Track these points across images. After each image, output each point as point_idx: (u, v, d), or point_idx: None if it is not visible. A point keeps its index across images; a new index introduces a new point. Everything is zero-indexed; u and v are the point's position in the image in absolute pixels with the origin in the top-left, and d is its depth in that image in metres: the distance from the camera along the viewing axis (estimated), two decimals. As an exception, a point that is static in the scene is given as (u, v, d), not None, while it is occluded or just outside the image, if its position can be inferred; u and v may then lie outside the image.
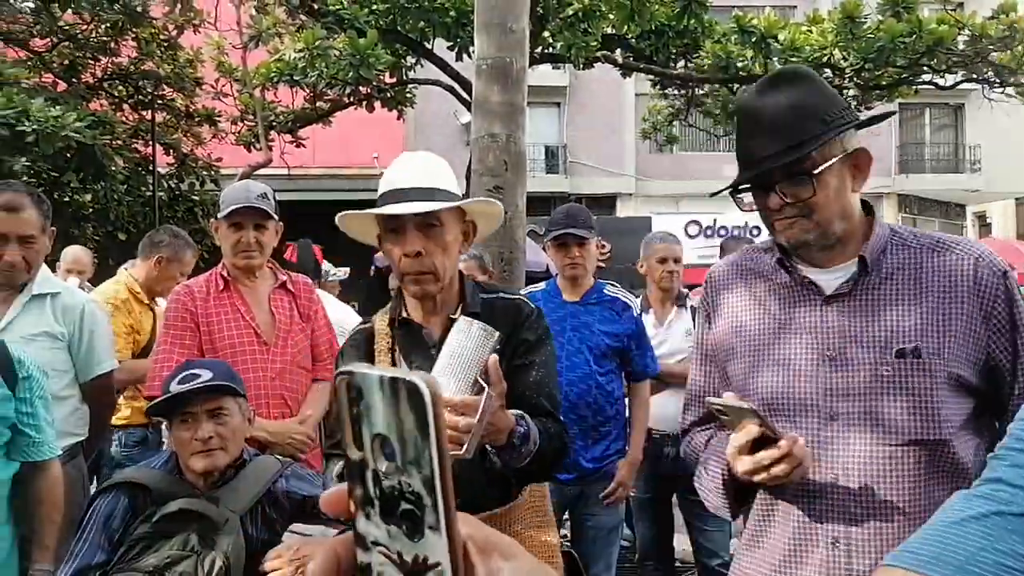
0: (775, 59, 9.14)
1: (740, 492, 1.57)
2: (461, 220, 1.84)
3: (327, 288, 5.42)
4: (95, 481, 3.46)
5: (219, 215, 2.86)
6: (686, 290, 4.05)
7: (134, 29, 10.72)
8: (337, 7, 8.90)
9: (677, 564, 4.19)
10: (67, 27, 10.54)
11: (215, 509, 2.11)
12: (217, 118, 11.72)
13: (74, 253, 5.27)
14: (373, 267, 8.18)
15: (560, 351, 3.24)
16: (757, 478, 1.42)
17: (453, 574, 0.44)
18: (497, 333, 1.55)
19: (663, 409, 3.61)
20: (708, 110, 11.72)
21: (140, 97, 11.55)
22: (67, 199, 10.46)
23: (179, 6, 10.18)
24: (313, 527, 2.21)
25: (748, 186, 1.58)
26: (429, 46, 9.44)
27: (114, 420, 3.53)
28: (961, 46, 9.13)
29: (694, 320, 3.77)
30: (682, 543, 4.03)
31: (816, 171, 1.48)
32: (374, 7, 8.84)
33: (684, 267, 3.96)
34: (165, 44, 11.26)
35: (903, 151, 21.27)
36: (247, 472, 2.25)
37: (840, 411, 1.48)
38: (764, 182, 1.53)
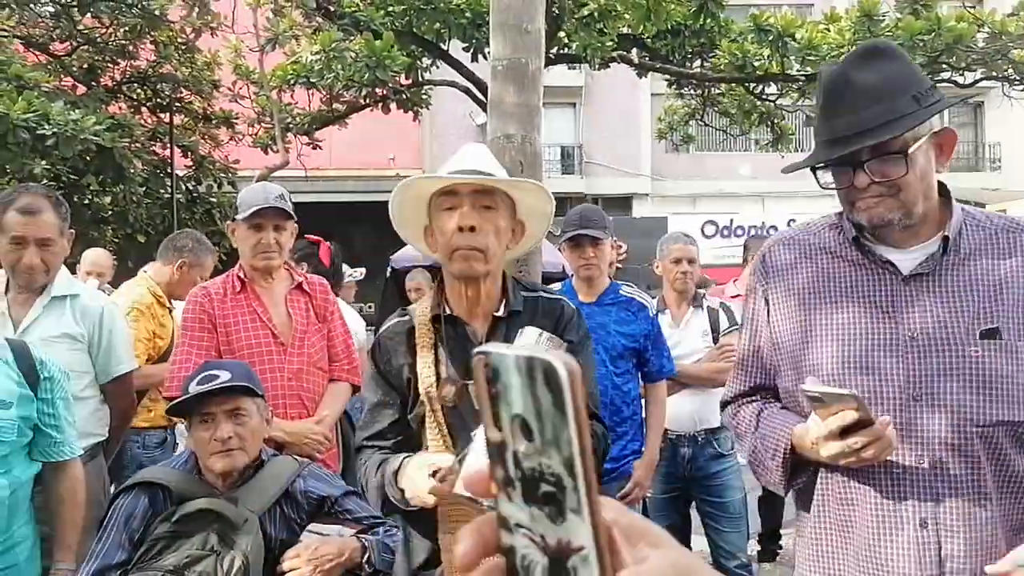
0: (792, 58, 9.08)
1: (793, 469, 1.57)
2: (512, 215, 1.84)
3: (344, 289, 5.45)
4: (114, 482, 3.49)
5: (238, 217, 2.87)
6: (702, 290, 4.04)
7: (152, 32, 10.82)
8: (353, 9, 8.94)
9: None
10: (86, 31, 10.65)
11: (234, 509, 2.12)
12: (234, 120, 11.80)
13: (94, 255, 5.31)
14: (389, 268, 8.21)
15: (576, 351, 3.26)
16: (844, 461, 1.41)
17: (598, 559, 0.42)
18: (565, 345, 1.53)
19: (679, 409, 3.60)
20: (724, 109, 11.67)
21: (158, 100, 11.65)
22: (87, 202, 10.57)
23: (196, 9, 10.26)
24: (330, 527, 2.22)
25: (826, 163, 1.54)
26: (445, 47, 9.45)
27: (137, 422, 3.56)
28: (980, 44, 9.03)
29: (710, 320, 3.78)
30: (699, 544, 4.01)
31: (909, 150, 1.45)
32: (390, 9, 8.87)
33: (700, 267, 3.94)
34: (183, 47, 11.36)
35: (922, 150, 21.05)
36: (265, 472, 2.26)
37: (923, 391, 1.46)
38: (852, 160, 1.49)
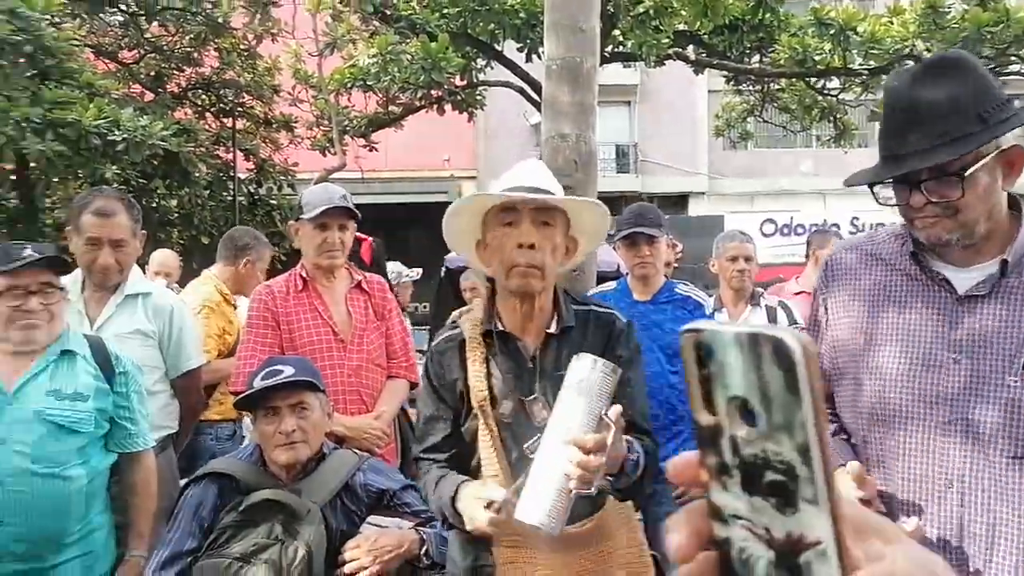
0: (854, 52, 8.89)
1: None
2: (566, 232, 1.85)
3: (401, 290, 5.53)
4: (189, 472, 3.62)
5: (303, 216, 2.93)
6: (760, 289, 3.99)
7: (216, 40, 11.10)
8: (409, 12, 9.05)
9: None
10: (153, 39, 10.98)
11: (297, 500, 2.19)
12: (293, 124, 12.03)
13: (162, 256, 5.51)
14: (444, 268, 8.29)
15: (629, 350, 3.25)
16: None
17: (838, 555, 0.38)
18: (620, 371, 1.54)
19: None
20: (784, 105, 11.49)
21: (222, 105, 11.93)
22: (154, 205, 10.89)
23: (258, 16, 10.48)
24: (389, 519, 2.28)
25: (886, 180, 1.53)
26: (499, 48, 9.51)
27: (209, 415, 3.69)
28: (1053, 34, 8.73)
29: (768, 318, 3.74)
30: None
31: (967, 172, 1.41)
32: (445, 11, 8.96)
33: (759, 266, 3.90)
34: (245, 54, 11.61)
35: (991, 144, 20.40)
36: (327, 465, 2.33)
37: (958, 415, 1.45)
38: (909, 179, 1.47)
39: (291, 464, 2.27)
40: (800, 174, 19.55)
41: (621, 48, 9.57)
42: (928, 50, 8.88)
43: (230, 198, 11.63)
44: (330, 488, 2.29)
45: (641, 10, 8.62)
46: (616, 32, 9.04)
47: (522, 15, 8.69)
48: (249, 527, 2.16)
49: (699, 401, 0.41)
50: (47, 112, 7.61)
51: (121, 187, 10.00)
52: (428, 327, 4.95)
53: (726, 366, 0.40)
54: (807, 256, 4.76)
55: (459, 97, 10.40)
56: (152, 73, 11.32)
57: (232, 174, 11.74)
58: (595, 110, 4.33)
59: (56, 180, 9.72)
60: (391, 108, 10.57)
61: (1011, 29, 8.33)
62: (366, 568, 2.10)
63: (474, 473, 1.82)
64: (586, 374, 1.49)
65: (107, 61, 10.98)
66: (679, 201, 19.47)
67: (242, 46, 11.53)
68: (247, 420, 3.40)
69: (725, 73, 10.58)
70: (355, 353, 2.92)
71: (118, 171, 9.57)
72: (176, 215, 11.40)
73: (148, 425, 2.52)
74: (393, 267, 5.85)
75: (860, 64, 9.07)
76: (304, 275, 2.97)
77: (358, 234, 4.24)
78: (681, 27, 9.44)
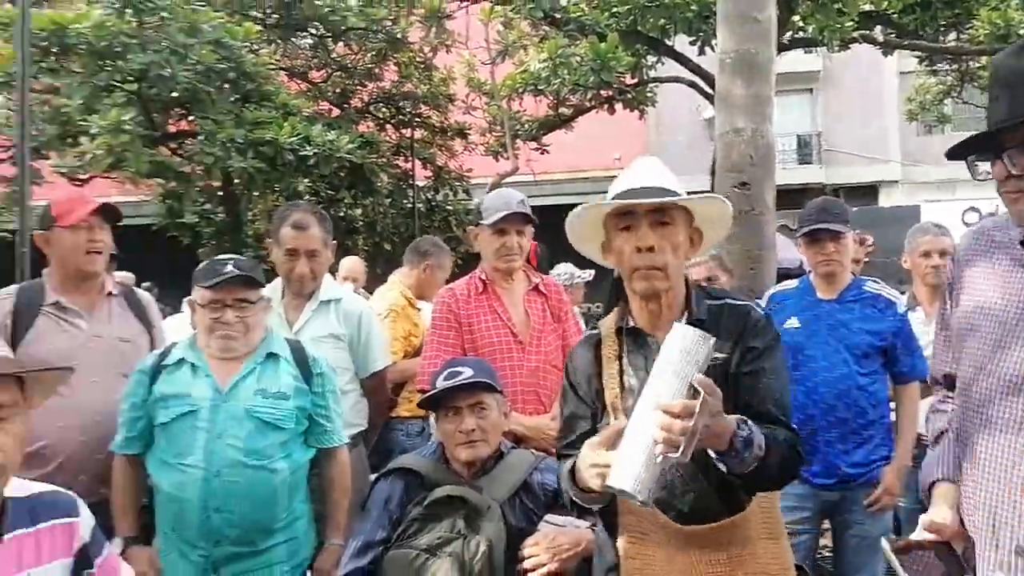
0: (1066, 21, 8.05)
1: None
2: (688, 225, 1.83)
3: (573, 290, 5.58)
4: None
5: (483, 221, 3.02)
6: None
7: (395, 55, 11.66)
8: (578, 14, 9.10)
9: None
10: (339, 58, 11.69)
11: (478, 496, 2.27)
12: (468, 131, 12.41)
13: (350, 263, 5.88)
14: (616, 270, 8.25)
15: (815, 351, 3.10)
16: None
17: None
18: (713, 338, 1.53)
19: (935, 413, 3.32)
20: (985, 85, 10.56)
21: (401, 117, 12.52)
22: (341, 214, 11.60)
23: (434, 30, 10.91)
24: (566, 518, 2.30)
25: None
26: (670, 43, 9.36)
27: (400, 412, 3.89)
28: None
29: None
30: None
31: None
32: (614, 10, 8.93)
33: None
34: (422, 66, 12.11)
35: None
36: (506, 463, 2.40)
37: None
38: (991, 146, 1.39)
39: (471, 461, 2.35)
40: (1006, 157, 17.85)
41: (801, 34, 9.16)
42: None
43: (409, 205, 12.16)
44: (509, 486, 2.35)
45: (821, -7, 8.21)
46: (796, 18, 8.66)
47: (694, 7, 8.51)
48: (433, 521, 2.27)
49: None
50: (248, 132, 8.31)
51: (312, 198, 10.74)
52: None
53: None
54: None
55: (629, 95, 10.34)
56: (338, 90, 12.05)
57: (411, 182, 12.28)
58: (772, 102, 4.17)
59: (256, 194, 10.57)
60: (561, 110, 10.68)
61: None
62: (544, 565, 2.14)
63: None
64: (676, 343, 1.50)
65: (299, 81, 11.80)
66: (868, 191, 18.33)
67: (419, 59, 12.04)
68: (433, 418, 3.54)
69: (918, 54, 9.85)
70: (533, 354, 2.98)
71: (309, 184, 10.30)
72: (361, 223, 12.07)
73: (342, 423, 2.69)
74: (565, 268, 5.90)
75: (1075, 34, 8.19)
76: (484, 278, 3.07)
77: None
78: (866, 8, 8.89)
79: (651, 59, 10.15)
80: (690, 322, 1.78)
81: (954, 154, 1.52)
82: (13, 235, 6.03)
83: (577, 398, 1.91)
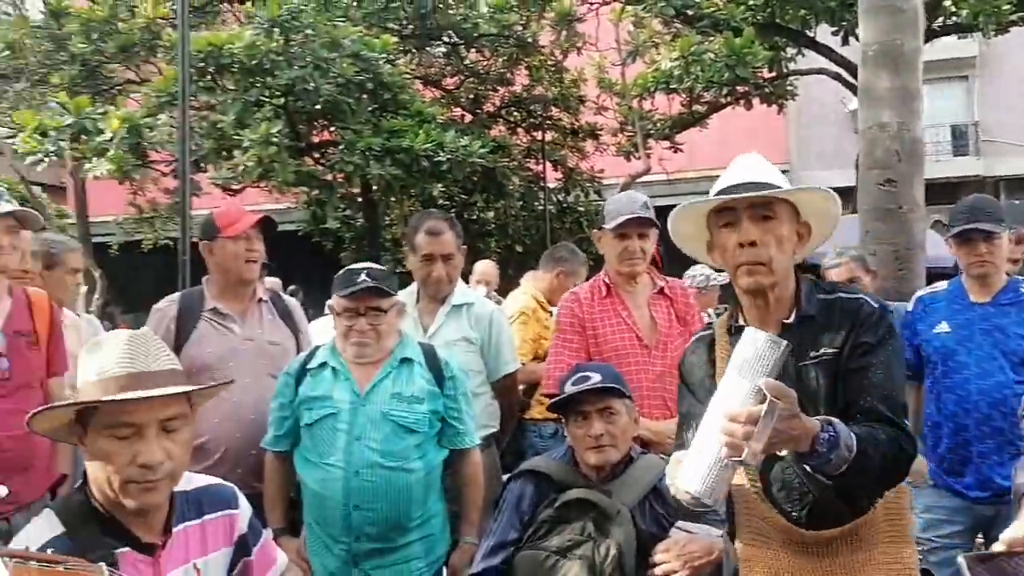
0: None
1: None
2: (795, 220, 1.79)
3: (708, 293, 5.47)
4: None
5: (605, 226, 3.03)
6: None
7: (526, 59, 11.78)
8: (712, 9, 8.91)
9: None
10: (471, 65, 11.93)
11: (608, 500, 2.28)
12: (599, 132, 12.38)
13: (483, 266, 5.99)
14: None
15: (968, 357, 2.93)
16: None
17: None
18: (784, 343, 1.51)
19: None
20: None
21: (531, 120, 12.64)
22: (474, 218, 11.83)
23: (564, 33, 10.96)
24: (698, 525, 2.27)
25: None
26: (811, 34, 9.02)
27: (533, 414, 3.95)
28: None
29: None
30: None
31: None
32: (750, 3, 8.69)
33: None
34: (552, 69, 12.18)
35: None
36: (635, 468, 2.40)
37: None
38: None
39: (601, 466, 2.36)
40: None
41: (954, 19, 8.61)
42: None
43: (540, 207, 12.26)
44: (639, 491, 2.35)
45: (975, -25, 7.70)
46: (947, 2, 8.15)
47: (835, -4, 8.17)
48: (563, 523, 2.30)
49: None
50: (385, 140, 8.62)
51: (446, 203, 11.03)
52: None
53: None
54: None
55: (767, 90, 10.03)
56: (471, 96, 12.30)
57: (542, 184, 12.38)
58: (920, 94, 3.96)
59: (393, 200, 10.94)
60: (695, 107, 10.49)
61: None
62: (676, 572, 2.12)
63: None
64: (747, 346, 1.50)
65: (433, 89, 12.13)
66: (1032, 184, 16.97)
67: (549, 62, 12.11)
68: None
69: (1086, 33, 9.06)
70: (659, 359, 2.95)
71: (443, 189, 10.57)
72: (493, 226, 12.28)
73: (474, 425, 2.76)
74: (700, 270, 5.78)
75: None
76: (607, 281, 3.07)
77: None
78: (1026, -13, 8.26)
79: (790, 51, 9.82)
80: (799, 317, 1.77)
81: None
82: (175, 243, 6.54)
83: (691, 397, 1.91)
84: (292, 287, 9.91)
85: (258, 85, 8.31)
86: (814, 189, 1.82)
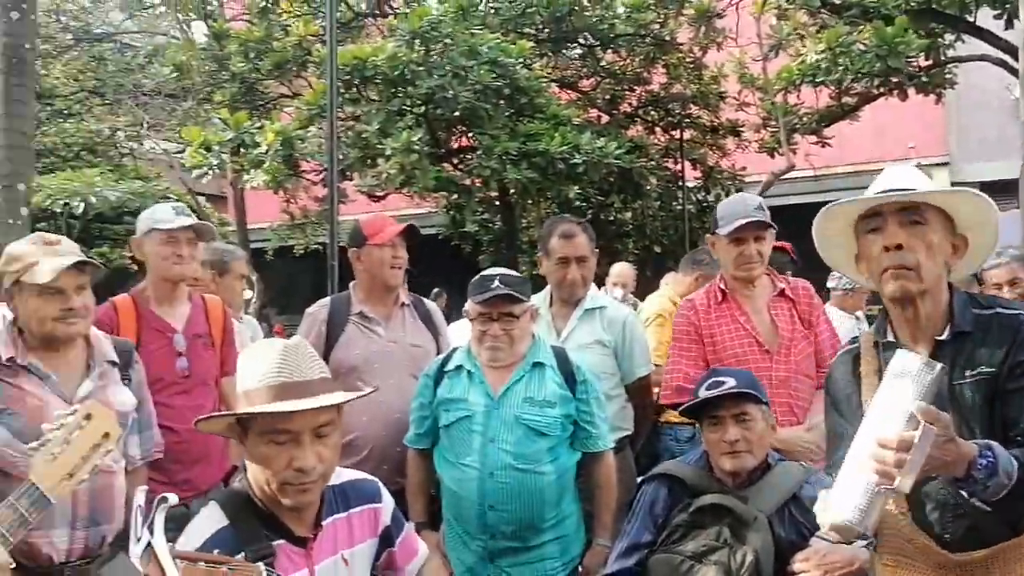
0: None
1: None
2: (950, 231, 1.71)
3: (856, 296, 5.25)
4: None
5: (720, 231, 2.95)
6: None
7: (663, 57, 11.62)
8: (861, -3, 8.50)
9: None
10: (608, 66, 11.88)
11: (744, 507, 2.25)
12: (740, 128, 12.05)
13: (619, 268, 5.99)
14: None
15: None
16: None
17: None
18: (940, 366, 1.44)
19: None
20: None
21: (669, 119, 12.43)
22: (611, 219, 11.78)
23: (703, 29, 10.74)
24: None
25: None
26: (971, 19, 8.44)
27: (669, 417, 3.93)
28: None
29: None
30: None
31: None
32: (905, -11, 8.24)
33: None
34: (691, 66, 11.96)
35: None
36: (773, 475, 2.35)
37: None
38: None
39: (736, 472, 2.34)
40: None
41: None
42: None
43: (679, 207, 12.06)
44: (776, 498, 2.31)
45: None
46: None
47: (997, -23, 7.61)
48: (698, 528, 2.29)
49: None
50: (522, 145, 8.74)
51: (582, 205, 11.04)
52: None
53: None
54: None
55: (923, 79, 9.45)
56: (607, 97, 12.24)
57: (680, 184, 12.17)
58: (1092, 78, 3.64)
59: (530, 203, 11.06)
60: (844, 100, 10.03)
61: None
62: (815, 582, 2.07)
63: None
64: (900, 370, 1.45)
65: (569, 91, 12.17)
66: None
67: (688, 59, 11.90)
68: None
69: None
70: (782, 364, 2.86)
71: (579, 191, 10.58)
72: (630, 227, 12.17)
73: (607, 428, 2.78)
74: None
75: None
76: (723, 287, 3.00)
77: (777, 243, 4.15)
78: None
79: (948, 38, 9.23)
80: (953, 333, 1.68)
81: None
82: (324, 247, 6.89)
83: (837, 414, 1.85)
84: (436, 289, 10.22)
85: (400, 95, 8.61)
86: (963, 191, 1.74)
